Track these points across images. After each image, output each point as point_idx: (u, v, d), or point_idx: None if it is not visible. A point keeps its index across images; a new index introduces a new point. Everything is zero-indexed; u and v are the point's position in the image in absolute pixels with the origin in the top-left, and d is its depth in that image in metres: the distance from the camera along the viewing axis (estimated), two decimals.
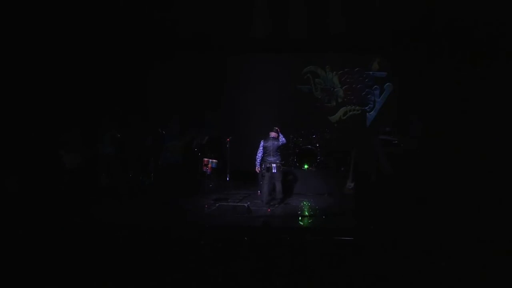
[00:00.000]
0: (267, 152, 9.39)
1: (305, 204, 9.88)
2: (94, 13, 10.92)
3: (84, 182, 10.05)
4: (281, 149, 9.48)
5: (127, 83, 12.60)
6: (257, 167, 9.41)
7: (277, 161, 9.35)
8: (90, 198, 9.57)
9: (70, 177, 9.97)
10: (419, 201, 8.61)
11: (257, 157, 9.39)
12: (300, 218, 8.88)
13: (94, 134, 11.15)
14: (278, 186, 9.53)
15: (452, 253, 6.09)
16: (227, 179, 11.13)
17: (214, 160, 11.11)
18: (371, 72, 12.89)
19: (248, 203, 9.23)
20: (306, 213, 9.22)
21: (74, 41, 11.67)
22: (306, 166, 11.04)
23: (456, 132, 11.61)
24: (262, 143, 9.40)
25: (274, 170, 9.56)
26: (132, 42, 12.45)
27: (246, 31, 12.69)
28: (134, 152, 11.37)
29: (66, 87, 11.87)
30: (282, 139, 9.47)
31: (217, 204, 9.27)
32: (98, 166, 11.20)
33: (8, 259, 5.99)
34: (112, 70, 12.37)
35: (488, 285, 5.42)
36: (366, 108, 12.96)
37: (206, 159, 11.23)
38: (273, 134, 9.49)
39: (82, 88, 12.12)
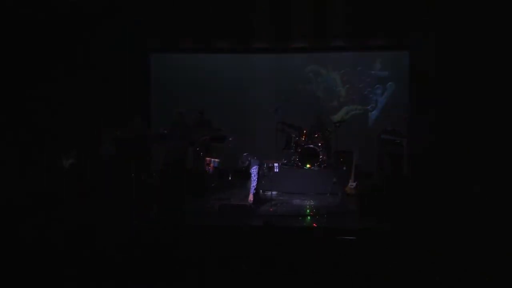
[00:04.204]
0: None
1: (307, 203, 9.86)
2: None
3: (83, 183, 10.00)
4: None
5: (127, 81, 12.56)
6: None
7: None
8: (90, 198, 9.53)
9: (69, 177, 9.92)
10: (422, 201, 8.57)
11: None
12: (302, 217, 8.87)
13: (93, 134, 11.11)
14: None
15: (454, 253, 6.08)
16: (229, 178, 11.11)
17: (216, 160, 11.10)
18: (373, 71, 12.85)
19: (250, 202, 9.22)
20: (308, 213, 9.21)
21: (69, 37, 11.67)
22: (308, 166, 11.01)
23: (462, 131, 11.54)
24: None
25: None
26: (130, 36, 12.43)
27: (246, 30, 12.69)
28: (135, 152, 11.32)
29: (65, 85, 11.83)
30: None
31: (218, 204, 9.27)
32: (99, 166, 11.17)
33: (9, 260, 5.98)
34: (112, 67, 12.32)
35: (488, 285, 5.41)
36: (369, 107, 12.93)
37: (208, 158, 11.23)
38: None
39: (81, 86, 12.08)
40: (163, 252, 6.11)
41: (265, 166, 9.80)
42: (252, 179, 9.32)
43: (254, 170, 9.34)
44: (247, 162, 9.37)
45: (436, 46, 11.65)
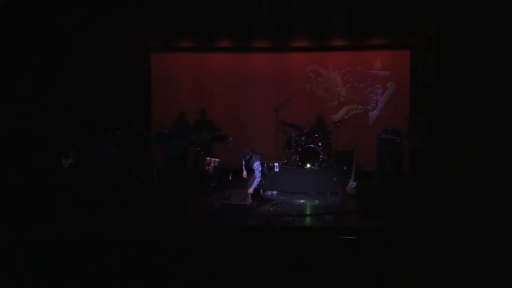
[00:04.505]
0: None
1: (308, 203, 9.87)
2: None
3: (84, 182, 9.99)
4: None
5: (128, 80, 12.54)
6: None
7: None
8: (91, 198, 9.52)
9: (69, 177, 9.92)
10: (423, 200, 8.57)
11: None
12: (302, 217, 8.87)
13: (94, 133, 11.10)
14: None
15: (454, 253, 6.08)
16: (230, 178, 11.10)
17: (216, 159, 11.09)
18: (373, 71, 12.84)
19: (251, 202, 9.22)
20: (309, 212, 9.21)
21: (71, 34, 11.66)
22: (308, 165, 11.00)
23: (462, 131, 11.52)
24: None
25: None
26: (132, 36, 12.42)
27: (248, 29, 12.69)
28: (136, 151, 11.33)
29: (66, 84, 11.81)
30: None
31: (219, 203, 9.26)
32: (100, 166, 11.16)
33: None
34: (112, 67, 12.29)
35: (488, 285, 5.41)
36: (369, 107, 12.92)
37: (208, 158, 11.22)
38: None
39: (82, 85, 12.06)
40: (164, 252, 6.10)
41: (265, 165, 9.79)
42: (257, 175, 9.23)
43: (257, 165, 9.27)
44: (247, 156, 9.34)
45: (437, 45, 11.64)
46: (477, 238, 6.58)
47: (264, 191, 10.00)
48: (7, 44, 10.65)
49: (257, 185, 9.26)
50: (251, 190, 9.21)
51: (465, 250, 6.15)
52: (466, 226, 7.21)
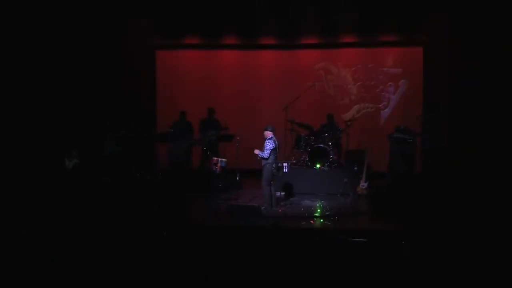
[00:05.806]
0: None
1: (317, 204, 9.69)
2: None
3: (86, 183, 9.92)
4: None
5: (133, 79, 12.46)
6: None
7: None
8: (94, 198, 9.44)
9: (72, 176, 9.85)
10: (435, 201, 8.40)
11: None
12: (312, 218, 8.69)
13: (97, 133, 11.03)
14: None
15: (466, 254, 5.94)
16: (237, 178, 10.94)
17: (223, 159, 10.94)
18: (385, 69, 12.63)
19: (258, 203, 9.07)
20: (318, 214, 9.04)
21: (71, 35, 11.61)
22: (318, 165, 10.83)
23: (476, 129, 11.33)
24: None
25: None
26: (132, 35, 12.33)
27: (255, 25, 12.57)
28: (138, 151, 11.23)
29: (68, 85, 11.78)
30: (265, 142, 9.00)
31: (226, 204, 9.12)
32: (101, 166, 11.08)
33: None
34: (116, 65, 12.22)
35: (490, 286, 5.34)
36: (380, 105, 12.71)
37: (215, 158, 11.07)
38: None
39: (84, 85, 12.01)
40: (167, 252, 6.04)
41: (274, 166, 9.59)
42: (265, 152, 8.77)
43: (268, 143, 8.85)
44: (270, 128, 9.01)
45: (450, 42, 11.45)
46: (490, 238, 6.45)
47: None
48: (7, 44, 10.63)
49: (261, 155, 8.82)
50: (257, 151, 8.88)
51: (477, 251, 6.03)
52: (478, 226, 7.03)
